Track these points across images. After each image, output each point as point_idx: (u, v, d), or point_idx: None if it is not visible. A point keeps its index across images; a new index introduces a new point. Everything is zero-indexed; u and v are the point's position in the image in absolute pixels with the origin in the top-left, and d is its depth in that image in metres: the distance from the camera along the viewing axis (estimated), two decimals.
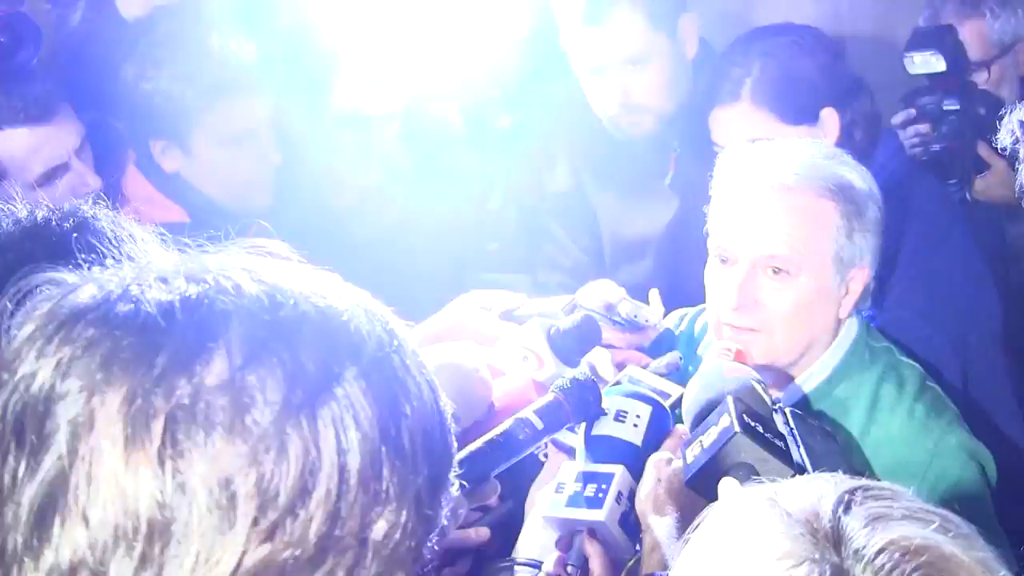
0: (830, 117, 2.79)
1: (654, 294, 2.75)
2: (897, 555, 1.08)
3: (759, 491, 1.20)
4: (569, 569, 1.95)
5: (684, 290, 2.96)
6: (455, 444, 1.18)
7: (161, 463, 0.98)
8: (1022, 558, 2.32)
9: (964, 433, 2.35)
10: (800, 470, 1.83)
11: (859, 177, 2.34)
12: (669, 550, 1.85)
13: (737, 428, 1.84)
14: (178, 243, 1.25)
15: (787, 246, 2.27)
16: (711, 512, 1.21)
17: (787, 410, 2.07)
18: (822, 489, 1.17)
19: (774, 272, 2.28)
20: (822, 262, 2.28)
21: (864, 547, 1.09)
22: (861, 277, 2.33)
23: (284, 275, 1.11)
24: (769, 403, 2.01)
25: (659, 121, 3.06)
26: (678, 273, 3.08)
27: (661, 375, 2.38)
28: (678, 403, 2.19)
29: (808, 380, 2.37)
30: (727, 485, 1.81)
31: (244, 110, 2.83)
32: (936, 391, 2.41)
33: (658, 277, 3.13)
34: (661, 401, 2.14)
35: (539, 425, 2.00)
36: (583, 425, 2.07)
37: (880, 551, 1.09)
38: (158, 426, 0.99)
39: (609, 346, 2.66)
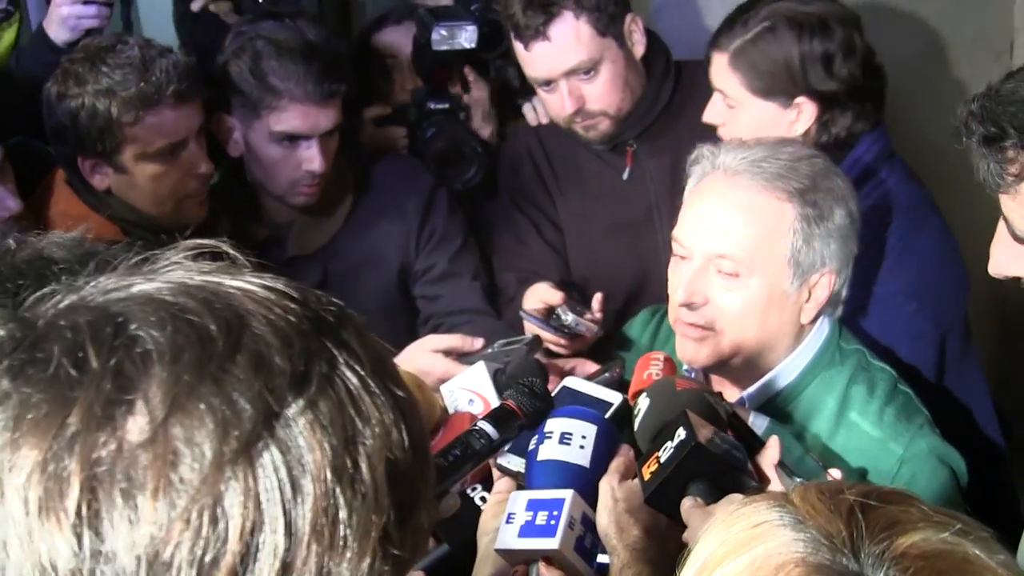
0: (807, 105, 2.77)
1: (598, 299, 2.73)
2: (919, 559, 1.03)
3: (768, 497, 1.14)
4: None
5: (645, 286, 3.00)
6: (432, 462, 1.07)
7: (78, 534, 0.87)
8: None
9: (935, 438, 2.32)
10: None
11: (828, 179, 2.30)
12: (638, 568, 1.81)
13: (694, 440, 1.81)
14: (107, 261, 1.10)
15: (737, 246, 2.24)
16: (713, 523, 1.15)
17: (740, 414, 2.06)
18: (835, 494, 1.11)
19: (724, 271, 2.25)
20: (777, 265, 2.25)
21: (884, 552, 1.04)
22: (827, 282, 2.30)
23: (217, 291, 0.98)
24: (724, 415, 1.98)
25: (616, 122, 3.05)
26: (638, 270, 3.09)
27: (603, 382, 2.35)
28: (620, 410, 2.16)
29: (777, 380, 2.35)
30: (688, 503, 1.79)
31: (173, 121, 2.76)
32: (908, 395, 2.39)
33: (617, 274, 3.12)
34: (604, 418, 2.09)
35: (494, 434, 1.95)
36: (529, 450, 2.03)
37: (901, 556, 1.03)
38: (73, 492, 0.88)
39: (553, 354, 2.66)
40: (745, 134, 2.57)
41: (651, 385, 2.07)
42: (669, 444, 1.84)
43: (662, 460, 1.83)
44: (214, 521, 0.89)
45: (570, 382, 2.31)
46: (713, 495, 1.78)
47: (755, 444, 2.01)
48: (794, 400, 2.35)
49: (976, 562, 1.04)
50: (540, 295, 2.74)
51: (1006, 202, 1.74)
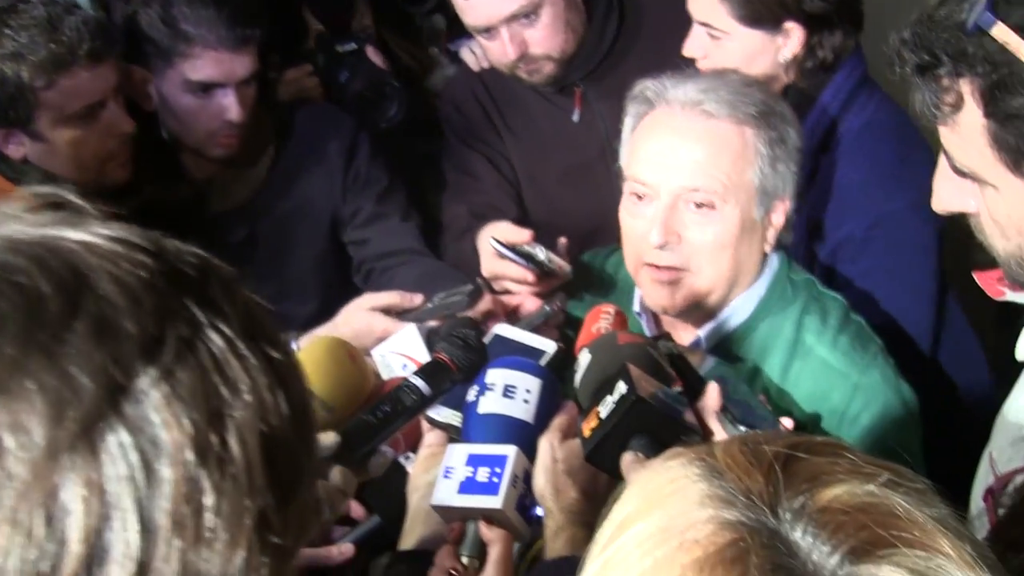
0: (795, 30, 2.63)
1: (563, 244, 2.64)
2: (841, 513, 0.93)
3: (688, 452, 1.05)
4: (464, 560, 1.84)
5: (602, 228, 2.87)
6: (315, 432, 0.95)
7: None
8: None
9: (889, 367, 2.30)
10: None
11: (777, 103, 2.28)
12: (573, 531, 1.75)
13: (635, 394, 1.75)
14: None
15: (711, 177, 2.19)
16: (634, 480, 1.07)
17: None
18: (757, 446, 1.02)
19: (697, 206, 2.20)
20: (746, 193, 2.21)
21: (803, 507, 0.94)
22: (783, 208, 2.27)
23: (54, 246, 0.84)
24: (669, 367, 1.92)
25: (560, 65, 2.98)
26: (594, 211, 2.99)
27: (545, 316, 2.30)
28: (554, 359, 2.12)
29: (732, 318, 2.30)
30: (628, 459, 1.73)
31: (89, 82, 2.62)
32: (860, 323, 2.36)
33: (573, 217, 3.04)
34: (549, 372, 2.02)
35: (426, 390, 1.89)
36: (468, 402, 1.96)
37: (822, 510, 0.94)
38: None
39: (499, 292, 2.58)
40: (731, 66, 2.50)
41: (593, 340, 1.99)
42: (609, 399, 1.78)
43: (602, 416, 1.77)
44: (50, 521, 0.77)
45: (501, 329, 2.26)
46: (655, 451, 1.71)
47: (699, 385, 1.96)
48: (749, 336, 2.32)
49: (904, 516, 0.94)
50: (504, 233, 2.63)
51: (945, 134, 1.68)
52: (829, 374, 2.25)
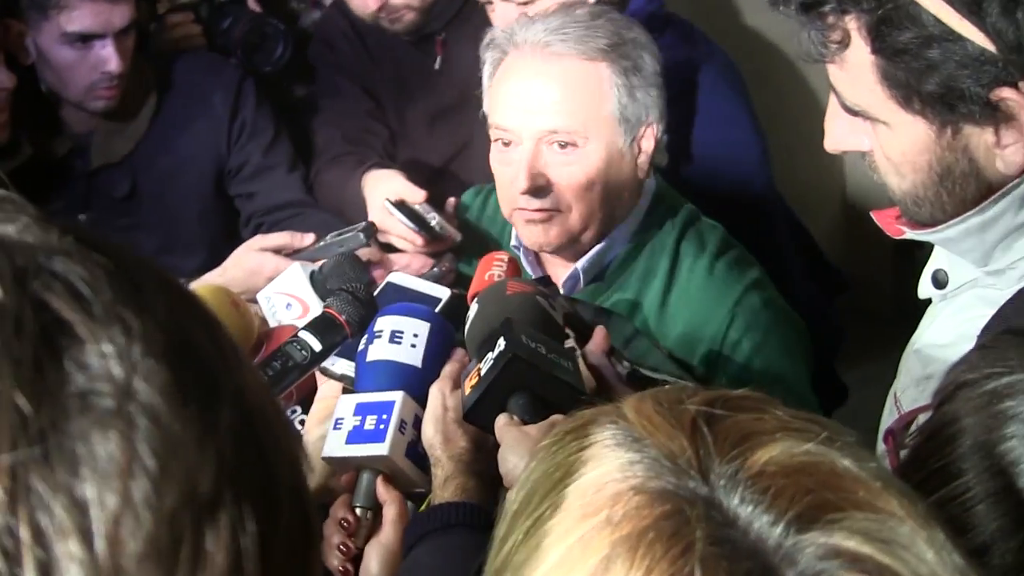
0: None
1: (451, 204, 2.64)
2: (780, 476, 0.86)
3: (596, 414, 0.96)
4: (358, 511, 1.80)
5: (460, 172, 2.98)
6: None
7: None
8: None
9: (772, 292, 2.30)
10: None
11: (629, 30, 2.27)
12: (463, 479, 1.72)
13: (512, 351, 1.68)
14: None
15: (569, 116, 2.18)
16: (537, 450, 0.98)
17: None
18: (674, 405, 0.94)
19: (560, 147, 2.19)
20: (608, 126, 2.20)
21: (737, 472, 0.86)
22: (651, 133, 2.26)
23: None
24: (559, 319, 1.88)
25: (421, 13, 3.01)
26: (460, 157, 3.06)
27: (434, 277, 2.28)
28: (449, 305, 2.09)
29: (610, 249, 2.30)
30: (501, 421, 1.67)
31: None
32: (740, 250, 2.36)
33: (440, 162, 3.09)
34: (438, 314, 1.99)
35: (316, 346, 1.83)
36: (358, 352, 1.92)
37: (758, 474, 0.86)
38: None
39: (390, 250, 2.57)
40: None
41: (482, 290, 1.96)
42: (490, 356, 1.71)
43: (482, 373, 1.71)
44: None
45: (395, 278, 2.22)
46: (535, 410, 1.67)
47: (588, 333, 1.94)
48: (628, 267, 2.31)
49: (846, 474, 0.87)
50: (397, 189, 2.62)
51: (834, 72, 1.67)
52: (705, 300, 2.25)
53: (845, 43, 1.60)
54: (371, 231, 2.45)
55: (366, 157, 2.90)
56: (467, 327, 1.87)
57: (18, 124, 2.79)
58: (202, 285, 2.13)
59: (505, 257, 2.09)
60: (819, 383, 2.41)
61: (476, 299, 1.91)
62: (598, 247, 2.28)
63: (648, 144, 2.26)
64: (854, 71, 1.61)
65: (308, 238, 2.51)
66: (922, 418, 1.22)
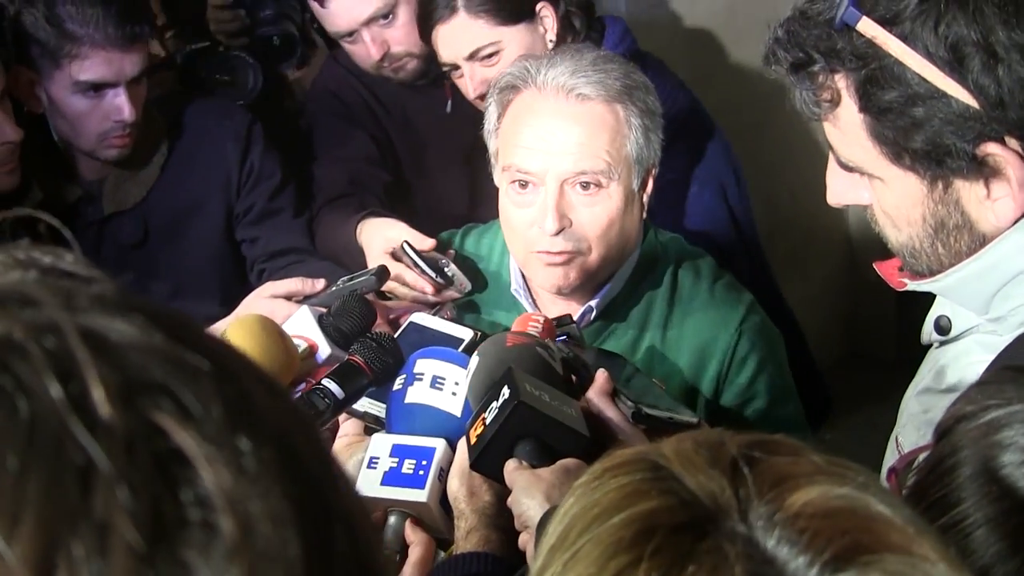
0: (545, 10, 2.82)
1: (450, 255, 2.60)
2: (817, 518, 0.87)
3: (633, 455, 0.98)
4: (385, 553, 1.79)
5: (476, 215, 2.91)
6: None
7: None
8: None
9: (763, 313, 2.39)
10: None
11: (636, 73, 2.31)
12: (487, 532, 1.73)
13: (517, 398, 1.70)
14: None
15: (595, 158, 2.21)
16: (575, 487, 0.99)
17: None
18: (713, 448, 0.96)
19: (583, 187, 2.23)
20: (627, 167, 2.25)
21: (776, 512, 0.88)
22: (652, 175, 2.32)
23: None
24: (559, 368, 1.89)
25: (423, 60, 3.06)
26: (474, 199, 3.10)
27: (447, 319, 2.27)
28: (471, 347, 2.07)
29: (615, 288, 2.36)
30: (511, 466, 1.69)
31: None
32: (730, 275, 2.44)
33: (456, 205, 3.13)
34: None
35: (339, 393, 1.84)
36: (393, 391, 1.93)
37: (796, 515, 0.87)
38: None
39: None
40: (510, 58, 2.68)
41: (482, 343, 1.96)
42: (494, 404, 1.73)
43: (487, 422, 1.73)
44: None
45: (418, 318, 2.22)
46: (541, 455, 1.70)
47: (586, 375, 1.95)
48: (630, 301, 2.36)
49: (881, 518, 0.88)
50: (403, 236, 2.59)
51: (828, 130, 1.69)
52: (711, 323, 2.32)
53: (836, 102, 1.63)
54: (384, 275, 2.43)
55: (366, 201, 2.91)
56: (469, 378, 1.87)
57: (29, 171, 2.80)
58: (248, 315, 2.11)
59: (541, 319, 2.06)
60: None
61: (477, 351, 1.91)
62: (608, 286, 2.34)
63: (650, 185, 2.32)
64: (846, 128, 1.64)
65: (319, 284, 2.50)
66: (922, 457, 1.25)
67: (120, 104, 2.77)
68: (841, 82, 1.61)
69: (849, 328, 4.87)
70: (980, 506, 1.12)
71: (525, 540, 1.67)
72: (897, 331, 4.69)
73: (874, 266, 1.87)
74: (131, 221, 2.95)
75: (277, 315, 2.36)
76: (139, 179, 2.95)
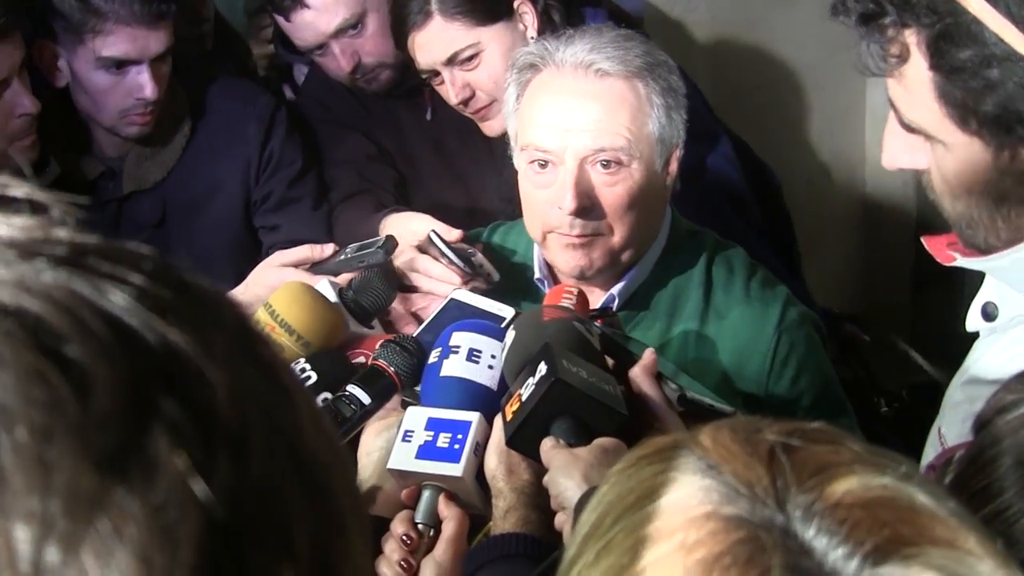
0: (524, 6, 2.76)
1: (478, 247, 2.56)
2: (857, 509, 0.85)
3: (671, 440, 0.96)
4: (420, 527, 1.78)
5: (476, 215, 2.89)
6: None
7: None
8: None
9: (800, 305, 2.33)
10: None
11: (658, 52, 2.27)
12: (526, 511, 1.70)
13: (554, 375, 1.67)
14: None
15: (615, 135, 2.17)
16: (610, 473, 0.98)
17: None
18: (751, 434, 0.93)
19: (603, 166, 2.18)
20: (649, 146, 2.20)
21: (814, 502, 0.85)
22: (676, 155, 2.27)
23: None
24: (597, 344, 1.86)
25: (396, 70, 3.01)
26: (465, 201, 3.04)
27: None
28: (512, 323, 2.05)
29: (640, 275, 2.31)
30: (548, 444, 1.67)
31: None
32: (763, 267, 2.39)
33: (449, 208, 3.01)
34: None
35: (366, 399, 1.84)
36: (429, 364, 1.91)
37: (835, 505, 0.85)
38: None
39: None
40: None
41: (517, 317, 1.95)
42: (531, 381, 1.71)
43: (523, 398, 1.70)
44: None
45: (459, 295, 2.20)
46: (579, 434, 1.68)
47: (627, 359, 1.92)
48: (656, 292, 2.31)
49: (923, 510, 0.86)
50: (428, 228, 2.53)
51: (893, 87, 1.63)
52: (749, 323, 2.27)
53: (904, 57, 1.56)
54: (391, 247, 2.41)
55: (382, 197, 2.88)
56: (504, 353, 1.85)
57: (50, 143, 2.79)
58: (291, 283, 2.11)
59: (575, 290, 2.03)
60: None
61: (512, 326, 1.88)
62: (632, 272, 2.28)
63: (674, 167, 2.26)
64: (912, 87, 1.57)
65: (328, 249, 2.48)
66: (960, 453, 1.25)
67: (143, 82, 2.74)
68: (912, 37, 1.54)
69: (863, 313, 4.85)
70: (1022, 496, 1.11)
71: (562, 521, 1.65)
72: (912, 318, 4.68)
73: (922, 240, 1.82)
74: (150, 201, 2.92)
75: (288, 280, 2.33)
76: (160, 158, 2.92)
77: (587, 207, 2.17)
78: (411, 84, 3.01)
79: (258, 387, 0.69)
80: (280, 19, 2.97)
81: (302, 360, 1.91)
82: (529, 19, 2.75)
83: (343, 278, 2.31)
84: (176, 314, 0.66)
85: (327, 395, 1.87)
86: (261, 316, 1.98)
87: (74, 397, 0.59)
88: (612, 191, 2.18)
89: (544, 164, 2.20)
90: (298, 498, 0.68)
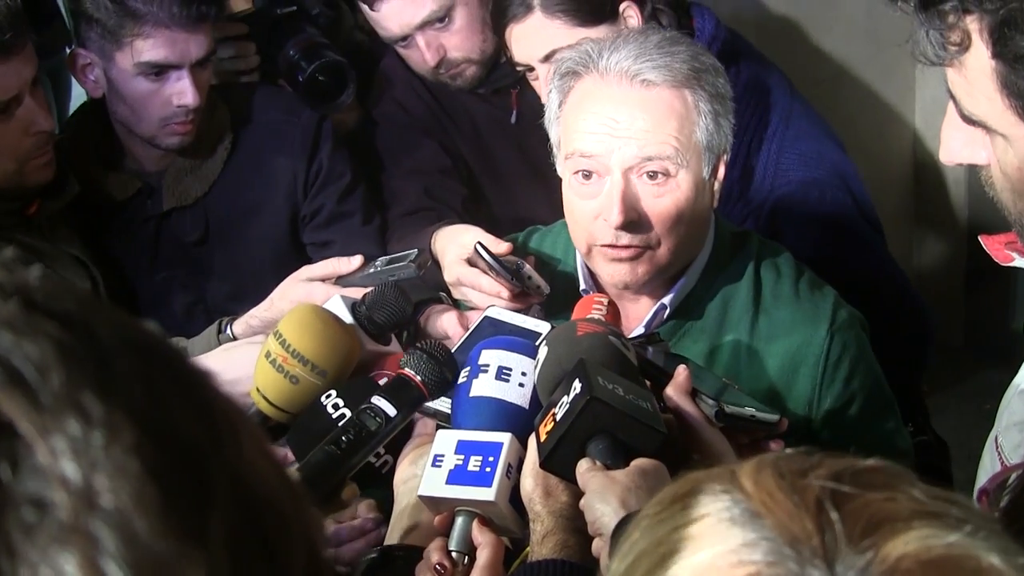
0: (630, 10, 2.66)
1: (531, 260, 2.46)
2: (919, 574, 0.76)
3: (711, 479, 0.88)
4: (454, 556, 1.71)
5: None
6: None
7: None
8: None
9: (846, 304, 2.29)
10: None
11: (706, 56, 2.20)
12: (564, 536, 1.63)
13: (589, 393, 1.60)
14: None
15: (662, 144, 2.10)
16: (650, 510, 0.90)
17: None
18: (796, 479, 0.84)
19: (650, 177, 2.11)
20: (696, 155, 2.13)
21: (870, 565, 0.77)
22: (723, 161, 2.20)
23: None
24: (633, 359, 1.78)
25: (482, 67, 2.93)
26: (551, 210, 2.87)
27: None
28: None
29: (689, 280, 2.25)
30: (584, 466, 1.60)
31: (0, 77, 2.45)
32: (807, 268, 2.33)
33: (536, 215, 2.89)
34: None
35: (391, 411, 1.76)
36: (458, 385, 1.84)
37: (892, 570, 0.77)
38: None
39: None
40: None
41: (551, 332, 1.86)
42: (565, 399, 1.63)
43: (558, 418, 1.63)
44: None
45: (493, 312, 2.14)
46: (616, 454, 1.61)
47: (664, 379, 1.83)
48: (704, 300, 2.26)
49: (993, 573, 0.77)
50: (477, 241, 2.43)
51: (952, 77, 1.55)
52: (800, 325, 2.22)
53: (965, 46, 1.49)
54: (423, 261, 2.34)
55: (447, 216, 2.78)
56: (537, 370, 1.77)
57: (77, 158, 2.74)
58: (300, 307, 2.02)
59: (605, 300, 1.98)
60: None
61: (545, 341, 1.81)
62: (682, 281, 2.23)
63: (721, 172, 2.21)
64: (973, 77, 1.51)
65: (355, 262, 2.39)
66: (1013, 477, 1.19)
67: (183, 88, 2.65)
68: (974, 24, 1.47)
69: None
70: None
71: (599, 547, 1.57)
72: (965, 316, 4.61)
73: (979, 239, 1.75)
74: (192, 217, 2.83)
75: (315, 298, 2.29)
76: (202, 173, 2.82)
77: (634, 220, 2.11)
78: (497, 84, 2.95)
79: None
80: (365, 7, 2.90)
81: (334, 394, 1.85)
82: (634, 22, 2.65)
83: (357, 292, 2.24)
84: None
85: (345, 411, 1.83)
86: (271, 346, 1.90)
87: None
88: (659, 203, 2.12)
89: (588, 175, 2.14)
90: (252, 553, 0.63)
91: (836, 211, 2.72)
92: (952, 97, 1.58)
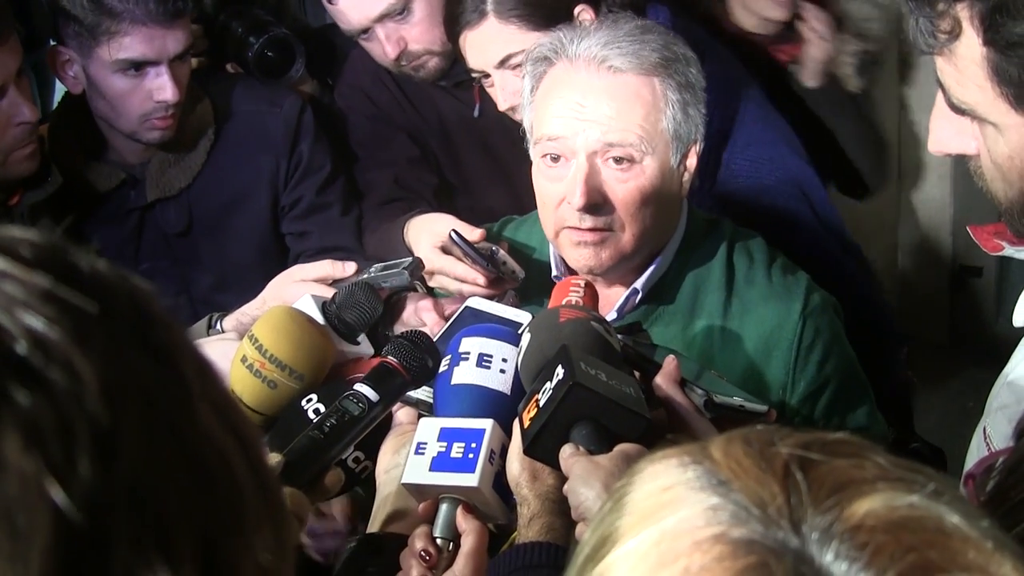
0: (585, 13, 2.63)
1: (504, 246, 2.49)
2: (880, 532, 0.77)
3: (680, 452, 0.89)
4: (439, 543, 1.71)
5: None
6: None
7: None
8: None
9: (820, 289, 2.30)
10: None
11: (677, 45, 2.21)
12: (550, 519, 1.64)
13: (572, 379, 1.60)
14: None
15: (626, 131, 2.12)
16: (614, 489, 0.91)
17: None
18: (765, 447, 0.85)
19: (615, 162, 2.13)
20: (663, 143, 2.15)
21: (832, 524, 0.78)
22: (694, 151, 2.21)
23: None
24: (616, 345, 1.79)
25: (444, 58, 2.91)
26: (512, 201, 2.89)
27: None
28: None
29: (661, 265, 2.25)
30: (567, 451, 1.60)
31: None
32: (782, 255, 2.35)
33: (498, 208, 2.90)
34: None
35: (373, 396, 1.76)
36: (440, 373, 1.85)
37: (856, 527, 0.77)
38: None
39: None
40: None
41: (533, 319, 1.88)
42: (548, 385, 1.64)
43: (541, 404, 1.64)
44: None
45: (473, 302, 2.16)
46: (599, 439, 1.61)
47: (650, 368, 1.85)
48: (675, 285, 2.27)
49: (954, 532, 0.78)
50: (450, 228, 2.48)
51: (941, 65, 1.55)
52: (773, 310, 2.23)
53: (955, 33, 1.49)
54: (417, 268, 2.34)
55: (418, 205, 2.79)
56: (520, 357, 1.79)
57: (60, 152, 2.74)
58: (274, 309, 2.01)
59: (582, 282, 1.98)
60: None
61: (528, 328, 1.82)
62: (653, 266, 2.24)
63: (692, 163, 2.22)
64: (963, 65, 1.51)
65: (350, 267, 2.39)
66: (1000, 461, 1.19)
67: (162, 83, 2.66)
68: (964, 12, 1.48)
69: (900, 310, 4.81)
70: None
71: (582, 531, 1.57)
72: (950, 313, 4.62)
73: (968, 229, 1.76)
74: (175, 209, 2.85)
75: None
76: (185, 164, 2.84)
77: (597, 203, 2.13)
78: (459, 77, 2.94)
79: (144, 375, 0.68)
80: (325, 1, 2.90)
81: (315, 399, 1.84)
82: (587, 14, 2.63)
83: (327, 292, 2.23)
84: (49, 302, 0.66)
85: (320, 406, 1.83)
86: (247, 350, 1.89)
87: None
88: (624, 187, 2.14)
89: (556, 158, 2.16)
90: (180, 494, 0.66)
91: (788, 219, 2.70)
92: (941, 86, 1.57)
